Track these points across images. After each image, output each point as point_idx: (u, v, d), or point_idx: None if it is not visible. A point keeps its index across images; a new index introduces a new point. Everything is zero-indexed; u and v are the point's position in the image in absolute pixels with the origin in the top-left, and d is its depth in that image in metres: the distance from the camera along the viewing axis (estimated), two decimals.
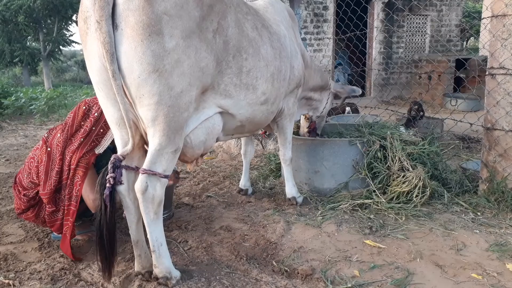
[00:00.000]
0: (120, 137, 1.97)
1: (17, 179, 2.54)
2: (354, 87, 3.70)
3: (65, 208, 2.29)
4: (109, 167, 1.91)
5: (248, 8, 2.38)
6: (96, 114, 2.38)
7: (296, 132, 3.69)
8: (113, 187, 1.89)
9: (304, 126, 3.66)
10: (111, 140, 2.36)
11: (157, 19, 1.67)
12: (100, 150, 2.36)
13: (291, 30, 2.96)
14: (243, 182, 3.44)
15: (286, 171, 3.15)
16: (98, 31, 1.65)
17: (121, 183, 1.94)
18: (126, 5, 1.64)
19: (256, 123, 2.56)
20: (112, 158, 1.91)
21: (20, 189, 2.49)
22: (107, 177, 1.89)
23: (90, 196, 2.29)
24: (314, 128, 3.64)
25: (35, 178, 2.40)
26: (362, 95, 9.97)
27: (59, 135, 2.40)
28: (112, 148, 2.67)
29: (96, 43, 1.70)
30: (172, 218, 2.93)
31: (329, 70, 9.51)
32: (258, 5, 2.86)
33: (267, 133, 3.86)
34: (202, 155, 2.27)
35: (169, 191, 2.84)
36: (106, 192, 1.87)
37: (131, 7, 1.64)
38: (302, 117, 3.62)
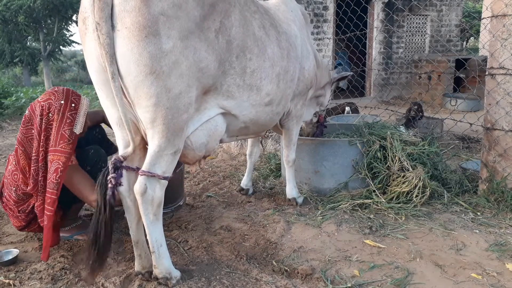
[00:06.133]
0: (121, 137, 1.96)
1: (4, 197, 2.43)
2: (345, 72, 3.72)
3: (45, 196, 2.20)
4: (109, 167, 1.90)
5: (257, 6, 2.33)
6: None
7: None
8: (114, 187, 1.88)
9: (307, 125, 3.65)
10: (85, 116, 2.27)
11: (153, 20, 1.64)
12: (77, 128, 2.23)
13: (304, 30, 2.90)
14: (245, 182, 3.44)
15: (288, 172, 3.15)
16: (97, 32, 1.64)
17: (120, 185, 1.93)
18: (122, 6, 1.63)
19: (261, 125, 2.52)
20: (113, 159, 1.91)
21: (13, 207, 2.39)
22: (108, 178, 1.88)
23: (90, 197, 2.25)
24: (322, 122, 3.62)
25: (23, 187, 2.31)
26: (362, 95, 9.99)
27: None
28: (96, 149, 2.64)
29: (94, 43, 1.69)
30: (173, 217, 2.93)
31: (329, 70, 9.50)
32: (270, 3, 2.82)
33: (266, 133, 3.87)
34: (204, 157, 2.24)
35: (178, 177, 2.86)
36: (109, 192, 1.85)
37: (127, 8, 1.63)
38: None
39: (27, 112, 2.31)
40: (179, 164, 2.79)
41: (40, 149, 2.21)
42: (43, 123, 2.21)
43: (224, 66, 1.99)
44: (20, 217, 2.39)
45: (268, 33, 2.31)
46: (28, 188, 2.24)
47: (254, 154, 3.44)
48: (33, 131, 2.26)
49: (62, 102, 2.24)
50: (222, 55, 1.95)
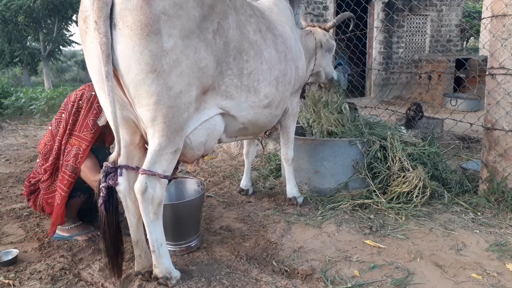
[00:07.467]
0: (121, 136, 1.96)
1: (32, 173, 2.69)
2: None
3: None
4: (101, 176, 1.92)
5: (253, 10, 2.35)
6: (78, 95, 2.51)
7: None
8: (108, 195, 1.89)
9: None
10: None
11: (155, 18, 1.65)
12: (101, 121, 2.43)
13: (295, 30, 2.94)
14: (244, 182, 3.44)
15: (287, 171, 3.15)
16: (95, 31, 1.64)
17: (116, 185, 1.93)
18: (124, 4, 1.64)
19: (260, 126, 2.53)
20: (103, 167, 1.92)
21: (30, 175, 2.64)
22: (100, 186, 1.90)
23: (92, 177, 2.38)
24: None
25: (42, 161, 2.51)
26: (362, 95, 9.99)
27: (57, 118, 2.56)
28: (98, 148, 2.71)
29: (95, 42, 1.69)
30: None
31: None
32: (263, 5, 2.83)
33: (268, 133, 3.87)
34: (203, 156, 2.25)
35: (194, 210, 2.47)
36: (100, 201, 1.88)
37: (129, 7, 1.63)
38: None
39: (65, 99, 2.58)
40: (199, 202, 2.51)
41: (67, 132, 2.43)
42: (74, 109, 2.45)
43: (222, 66, 2.01)
44: (25, 185, 2.64)
45: (264, 37, 2.33)
46: (46, 164, 2.47)
47: (251, 153, 3.45)
48: (63, 115, 2.50)
49: (93, 93, 2.46)
50: (220, 56, 1.97)
